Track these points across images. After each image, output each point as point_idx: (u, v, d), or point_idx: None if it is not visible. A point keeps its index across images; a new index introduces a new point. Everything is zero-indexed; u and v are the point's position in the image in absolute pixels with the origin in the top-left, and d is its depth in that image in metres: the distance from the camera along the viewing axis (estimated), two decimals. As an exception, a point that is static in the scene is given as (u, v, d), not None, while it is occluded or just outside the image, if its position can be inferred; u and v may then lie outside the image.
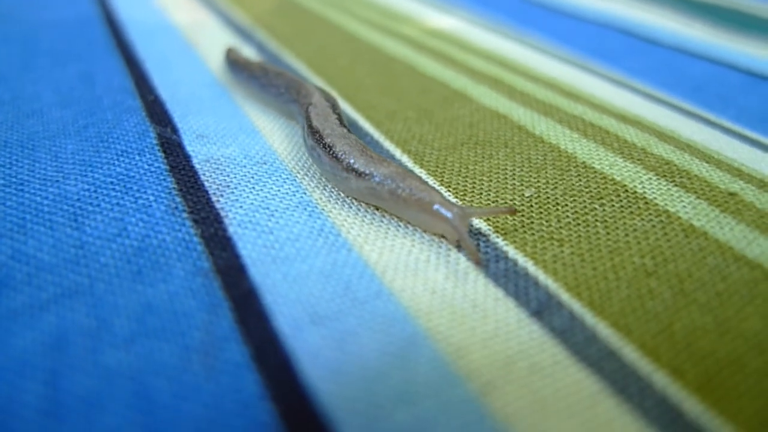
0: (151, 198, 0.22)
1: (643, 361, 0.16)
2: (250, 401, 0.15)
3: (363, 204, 0.23)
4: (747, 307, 0.18)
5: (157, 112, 0.28)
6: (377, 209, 0.22)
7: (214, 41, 0.40)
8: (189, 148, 0.26)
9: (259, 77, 0.30)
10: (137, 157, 0.25)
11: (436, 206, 0.20)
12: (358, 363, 0.16)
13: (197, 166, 0.24)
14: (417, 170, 0.25)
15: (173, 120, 0.28)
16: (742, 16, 0.49)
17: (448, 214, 0.19)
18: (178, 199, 0.22)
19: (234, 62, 0.32)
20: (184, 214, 0.21)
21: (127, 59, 0.35)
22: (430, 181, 0.24)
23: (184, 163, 0.24)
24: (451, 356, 0.16)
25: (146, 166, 0.24)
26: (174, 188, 0.23)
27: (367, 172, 0.21)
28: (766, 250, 0.20)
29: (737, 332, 0.17)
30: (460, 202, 0.23)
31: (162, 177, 0.24)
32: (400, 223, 0.22)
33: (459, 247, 0.20)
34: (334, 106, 0.25)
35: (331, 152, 0.22)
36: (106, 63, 0.34)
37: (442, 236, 0.21)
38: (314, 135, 0.23)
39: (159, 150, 0.25)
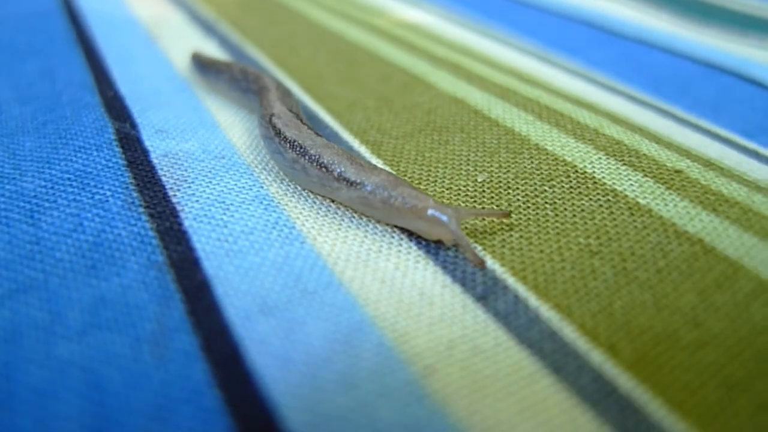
0: (108, 193, 0.22)
1: (581, 340, 0.17)
2: (197, 388, 0.15)
3: (319, 197, 0.23)
4: (685, 282, 0.19)
5: (116, 108, 0.29)
6: (333, 201, 0.23)
7: (177, 35, 0.40)
8: (147, 143, 0.26)
9: (239, 80, 0.29)
10: (95, 153, 0.25)
11: (430, 211, 0.19)
12: (303, 350, 0.16)
13: (155, 161, 0.25)
14: (374, 160, 0.25)
15: (132, 115, 0.28)
16: (705, 6, 0.50)
17: (444, 218, 0.19)
18: (134, 194, 0.22)
19: (206, 65, 0.32)
20: (141, 209, 0.22)
21: (87, 54, 0.35)
22: (387, 169, 0.25)
23: (142, 158, 0.25)
24: (395, 342, 0.17)
25: (104, 162, 0.24)
26: (131, 183, 0.23)
27: (359, 181, 0.21)
28: (707, 225, 0.21)
29: (674, 308, 0.18)
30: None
31: (119, 172, 0.24)
32: (354, 215, 0.22)
33: (456, 249, 0.20)
34: (299, 115, 0.25)
35: (318, 163, 0.22)
36: (66, 58, 0.34)
37: (439, 241, 0.20)
38: (295, 147, 0.22)
39: (117, 145, 0.25)
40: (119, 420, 0.15)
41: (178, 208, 0.22)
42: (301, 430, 0.14)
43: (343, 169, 0.21)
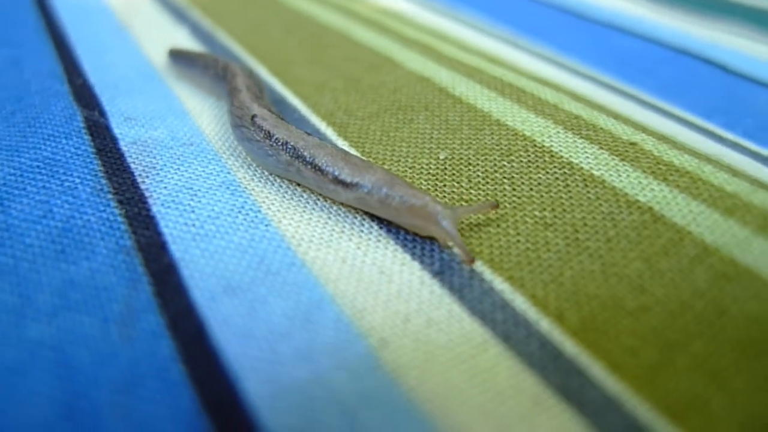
0: (77, 180, 0.23)
1: (532, 310, 0.18)
2: (163, 364, 0.16)
3: (285, 181, 0.23)
4: (633, 250, 0.19)
5: (85, 96, 0.29)
6: (299, 185, 0.23)
7: (148, 23, 0.40)
8: (116, 131, 0.26)
9: (221, 77, 0.29)
10: (64, 141, 0.25)
11: (428, 210, 0.20)
12: (264, 327, 0.17)
13: (124, 149, 0.25)
14: (340, 142, 0.26)
15: (101, 103, 0.28)
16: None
17: (440, 217, 0.19)
18: (103, 181, 0.23)
19: (188, 60, 0.32)
20: (109, 195, 0.22)
21: (57, 42, 0.35)
22: (353, 152, 0.25)
23: (111, 146, 0.25)
24: (353, 317, 0.17)
25: (73, 150, 0.25)
26: (100, 170, 0.24)
27: (354, 182, 0.21)
28: (657, 194, 0.21)
29: (622, 275, 0.19)
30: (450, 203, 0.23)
31: (88, 160, 0.24)
32: (319, 198, 0.23)
33: (449, 247, 0.20)
34: (278, 115, 0.25)
35: (313, 165, 0.21)
36: (35, 47, 0.34)
37: (431, 237, 0.21)
38: (288, 150, 0.22)
39: (86, 133, 0.26)
40: (88, 394, 0.15)
41: (147, 194, 0.22)
42: (260, 400, 0.15)
43: (338, 172, 0.21)
